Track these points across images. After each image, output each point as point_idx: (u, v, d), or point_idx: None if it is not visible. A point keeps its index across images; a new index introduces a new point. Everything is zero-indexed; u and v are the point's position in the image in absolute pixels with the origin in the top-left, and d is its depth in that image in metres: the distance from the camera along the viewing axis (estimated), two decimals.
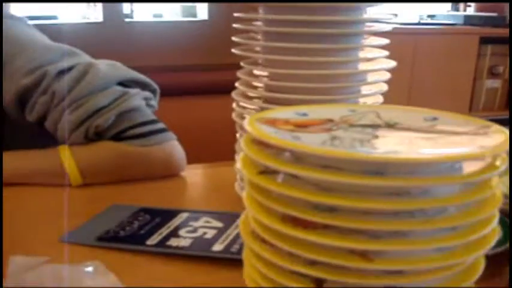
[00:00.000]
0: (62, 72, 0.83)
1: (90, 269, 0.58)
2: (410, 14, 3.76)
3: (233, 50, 0.70)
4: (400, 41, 3.63)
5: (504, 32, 3.68)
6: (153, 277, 0.59)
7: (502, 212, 0.69)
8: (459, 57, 3.70)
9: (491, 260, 0.60)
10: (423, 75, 3.69)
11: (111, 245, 0.64)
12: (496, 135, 0.41)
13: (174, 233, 0.65)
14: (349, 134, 0.42)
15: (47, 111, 0.84)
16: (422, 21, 3.79)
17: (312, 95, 0.66)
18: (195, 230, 0.66)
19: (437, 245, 0.38)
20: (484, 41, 3.69)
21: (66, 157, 0.83)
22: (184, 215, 0.70)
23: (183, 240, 0.63)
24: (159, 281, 0.58)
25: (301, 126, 0.44)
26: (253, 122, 0.42)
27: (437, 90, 3.74)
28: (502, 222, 0.66)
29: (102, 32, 1.54)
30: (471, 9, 3.95)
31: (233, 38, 0.70)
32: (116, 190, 0.84)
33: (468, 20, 3.71)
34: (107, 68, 0.86)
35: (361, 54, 0.71)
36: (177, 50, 1.53)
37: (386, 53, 0.71)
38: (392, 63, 0.70)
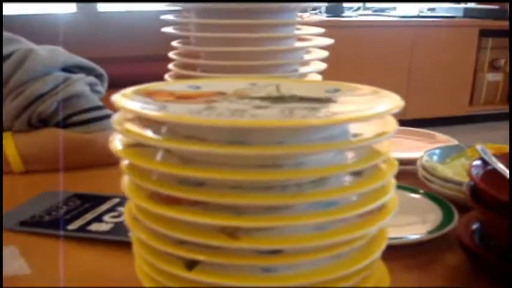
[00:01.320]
0: None
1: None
2: (410, 6, 3.70)
3: (163, 29, 0.68)
4: (398, 33, 3.59)
5: (505, 24, 3.62)
6: (67, 261, 0.57)
7: (444, 196, 0.66)
8: (459, 50, 3.65)
9: (430, 244, 0.57)
10: (422, 69, 3.64)
11: (32, 229, 0.62)
12: (387, 104, 0.38)
13: (98, 218, 0.63)
14: (229, 105, 0.39)
15: None
16: (421, 14, 3.73)
17: (245, 73, 0.63)
18: (120, 215, 0.63)
19: (309, 221, 0.35)
20: (484, 33, 3.64)
21: (8, 144, 0.81)
22: (115, 201, 0.68)
23: (104, 225, 0.61)
24: (71, 265, 0.56)
25: (184, 98, 0.41)
26: (129, 93, 0.40)
27: (437, 84, 3.69)
28: (441, 204, 0.64)
29: (75, 22, 1.52)
30: (472, 2, 3.89)
31: (162, 17, 0.67)
32: (59, 177, 0.81)
33: (468, 12, 3.66)
34: (48, 53, 0.83)
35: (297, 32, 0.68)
36: (151, 40, 1.51)
37: (321, 30, 0.68)
38: (329, 41, 0.67)
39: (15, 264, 0.55)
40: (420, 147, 0.83)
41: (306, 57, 0.68)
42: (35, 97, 0.80)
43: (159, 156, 0.37)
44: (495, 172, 0.54)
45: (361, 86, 0.43)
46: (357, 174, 0.38)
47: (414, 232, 0.58)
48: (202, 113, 0.36)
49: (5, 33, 0.85)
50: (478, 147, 0.55)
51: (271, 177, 0.34)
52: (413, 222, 0.62)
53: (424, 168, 0.70)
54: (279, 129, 0.33)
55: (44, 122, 0.83)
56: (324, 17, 0.80)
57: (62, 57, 0.85)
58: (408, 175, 0.75)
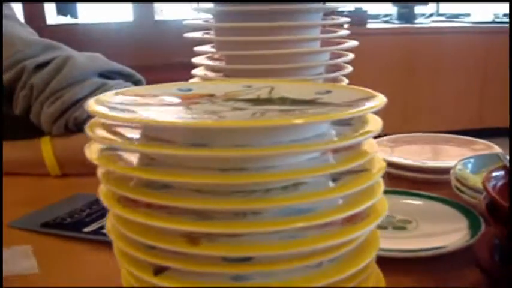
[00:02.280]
0: (40, 66, 0.83)
1: (14, 251, 0.58)
2: (484, 12, 3.56)
3: (186, 35, 0.67)
4: (472, 40, 3.47)
5: None
6: (77, 263, 0.58)
7: (474, 207, 0.61)
8: None
9: (448, 259, 0.53)
10: (497, 76, 3.48)
11: (51, 231, 0.63)
12: (369, 104, 0.35)
13: None
14: (206, 107, 0.38)
15: (29, 104, 0.85)
16: (496, 20, 3.58)
17: (267, 76, 0.62)
18: None
19: (275, 228, 0.33)
20: None
21: (46, 148, 0.84)
22: None
23: None
24: (80, 266, 0.57)
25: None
26: (109, 96, 0.39)
27: None
28: (470, 216, 0.60)
29: (133, 30, 1.56)
30: None
31: (184, 22, 0.67)
32: (94, 181, 0.83)
33: None
34: (85, 59, 0.85)
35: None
36: None
37: (346, 32, 0.65)
38: (353, 43, 0.65)
39: (26, 263, 0.56)
40: (463, 155, 0.78)
41: (332, 60, 0.66)
42: (72, 102, 0.82)
43: (135, 160, 0.36)
44: None
45: (355, 87, 0.41)
46: (338, 178, 0.35)
47: (432, 245, 0.54)
48: (170, 115, 0.35)
49: (46, 40, 0.87)
50: (500, 154, 0.51)
51: (232, 181, 0.32)
52: (433, 233, 0.58)
53: (456, 178, 0.66)
54: (236, 131, 0.31)
55: (80, 127, 0.85)
56: (347, 20, 0.77)
57: (99, 63, 0.87)
58: (444, 185, 0.71)
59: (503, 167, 0.50)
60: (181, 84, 0.44)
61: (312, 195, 0.33)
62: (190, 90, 0.43)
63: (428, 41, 3.52)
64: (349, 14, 3.51)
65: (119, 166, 0.34)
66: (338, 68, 0.68)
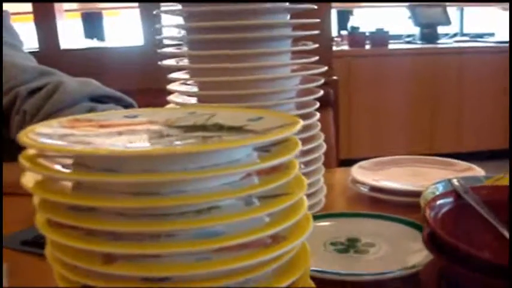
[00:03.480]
0: (33, 92, 0.87)
1: None
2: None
3: (160, 63, 0.70)
4: (497, 60, 3.44)
5: None
6: (48, 279, 0.60)
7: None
8: None
9: (400, 283, 0.54)
10: None
11: (29, 249, 0.66)
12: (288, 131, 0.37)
13: None
14: (138, 134, 0.40)
15: (22, 129, 0.89)
16: None
17: (238, 102, 0.64)
18: None
19: (183, 250, 0.34)
20: None
21: None
22: None
23: None
24: (48, 283, 0.59)
25: (104, 127, 0.42)
26: (51, 122, 0.42)
27: None
28: None
29: (143, 55, 1.59)
30: None
31: (159, 51, 0.69)
32: None
33: None
34: (77, 85, 0.89)
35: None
36: None
37: (315, 58, 0.67)
38: (323, 68, 0.66)
39: None
40: (445, 177, 0.78)
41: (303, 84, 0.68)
42: None
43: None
44: (468, 207, 0.50)
45: (284, 114, 0.43)
46: (261, 201, 0.37)
47: (385, 269, 0.54)
48: (97, 142, 0.37)
49: (40, 66, 0.91)
50: (452, 179, 0.51)
51: (141, 205, 0.34)
52: (392, 257, 0.58)
53: (425, 203, 0.66)
54: (141, 157, 0.33)
55: None
56: (316, 45, 0.77)
57: (91, 88, 0.90)
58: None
59: (451, 193, 0.51)
60: (129, 112, 0.47)
61: (222, 217, 0.35)
62: (136, 117, 0.46)
63: (452, 61, 3.50)
64: (371, 34, 3.52)
65: (46, 191, 0.36)
66: (310, 92, 0.69)
